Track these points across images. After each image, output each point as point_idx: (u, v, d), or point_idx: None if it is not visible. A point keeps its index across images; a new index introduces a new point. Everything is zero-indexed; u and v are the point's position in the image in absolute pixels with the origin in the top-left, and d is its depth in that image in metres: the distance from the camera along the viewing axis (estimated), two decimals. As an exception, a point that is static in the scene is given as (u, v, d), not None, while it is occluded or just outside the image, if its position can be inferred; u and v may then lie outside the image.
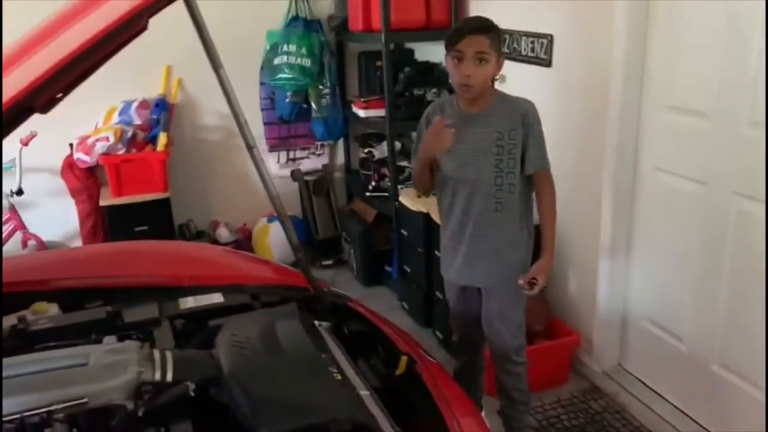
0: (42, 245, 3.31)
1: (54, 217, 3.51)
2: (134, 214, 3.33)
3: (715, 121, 2.07)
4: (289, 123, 3.87)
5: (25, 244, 3.32)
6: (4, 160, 3.15)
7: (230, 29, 3.49)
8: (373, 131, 3.74)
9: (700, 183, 2.17)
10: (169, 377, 1.24)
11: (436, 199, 2.13)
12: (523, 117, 1.92)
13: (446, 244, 2.11)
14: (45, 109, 0.94)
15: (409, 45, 3.78)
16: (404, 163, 3.43)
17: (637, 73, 2.33)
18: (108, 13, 0.79)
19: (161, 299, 1.67)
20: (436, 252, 2.81)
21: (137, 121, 3.40)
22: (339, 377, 1.33)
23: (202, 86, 3.58)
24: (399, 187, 3.30)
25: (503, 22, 1.98)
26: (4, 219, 3.27)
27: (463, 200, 1.99)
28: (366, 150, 3.69)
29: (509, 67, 2.32)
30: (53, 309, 1.60)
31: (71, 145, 3.35)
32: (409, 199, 3.07)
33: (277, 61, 3.59)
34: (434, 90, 3.29)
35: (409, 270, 3.26)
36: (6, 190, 3.15)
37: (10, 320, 1.49)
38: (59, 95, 0.96)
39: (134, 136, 3.31)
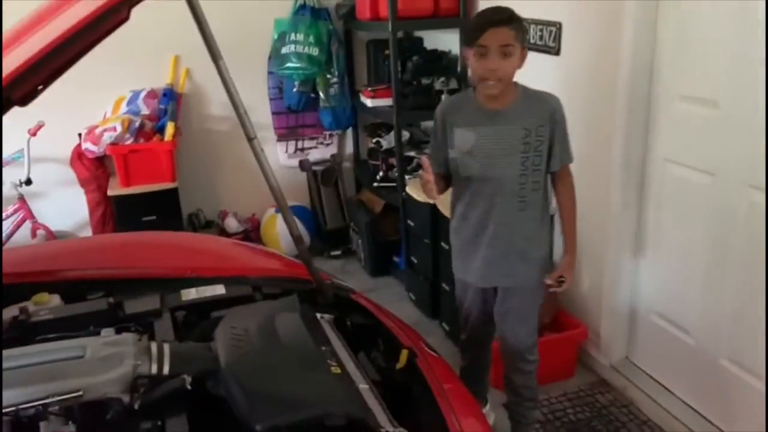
0: (51, 235, 3.33)
1: (63, 207, 3.53)
2: (142, 204, 3.34)
3: (726, 110, 2.02)
4: (297, 112, 3.85)
5: (34, 234, 3.34)
6: (12, 150, 3.17)
7: (238, 18, 3.49)
8: (381, 121, 3.71)
9: (709, 174, 2.12)
10: (166, 370, 1.24)
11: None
12: (551, 114, 1.84)
13: (462, 245, 2.03)
14: (24, 101, 0.92)
15: (418, 33, 3.74)
16: (412, 154, 3.41)
17: (647, 61, 2.28)
18: (89, 3, 0.78)
19: (163, 290, 1.67)
20: (443, 244, 2.80)
21: (145, 111, 3.40)
22: (338, 371, 1.33)
23: (210, 76, 3.51)
24: (406, 177, 3.28)
25: (511, 10, 1.94)
26: (13, 209, 3.29)
27: (485, 200, 1.90)
28: (374, 140, 3.67)
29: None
30: (55, 300, 1.60)
31: (80, 134, 3.35)
32: (415, 190, 3.05)
33: (284, 50, 3.57)
34: (442, 79, 3.25)
35: (416, 261, 3.25)
36: (15, 180, 3.16)
37: (11, 311, 1.49)
38: (40, 87, 0.94)
39: (142, 126, 3.32)
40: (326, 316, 1.62)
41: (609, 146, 2.43)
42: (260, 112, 3.80)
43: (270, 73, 3.75)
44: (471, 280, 2.05)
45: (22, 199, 3.29)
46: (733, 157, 2.02)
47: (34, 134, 3.11)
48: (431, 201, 2.88)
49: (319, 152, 4.03)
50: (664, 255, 2.39)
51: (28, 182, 3.16)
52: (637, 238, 2.50)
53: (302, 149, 4.00)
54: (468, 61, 1.81)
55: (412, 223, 3.20)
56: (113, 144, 3.22)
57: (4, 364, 1.17)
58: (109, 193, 3.37)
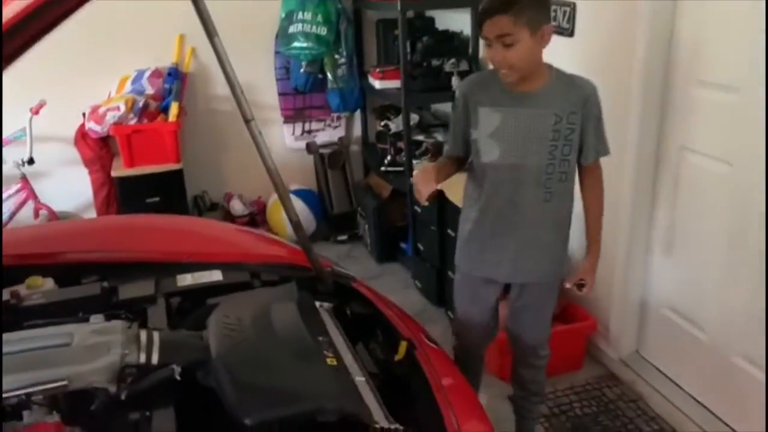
0: (53, 215, 3.30)
1: (67, 188, 3.49)
2: (146, 186, 3.30)
3: (747, 97, 1.93)
4: (304, 94, 3.78)
5: (36, 214, 3.31)
6: (15, 128, 3.13)
7: (245, -4, 3.42)
8: (390, 103, 3.63)
9: (727, 164, 2.04)
10: (155, 360, 1.20)
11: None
12: (585, 101, 1.71)
13: (478, 237, 1.87)
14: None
15: (429, 13, 3.64)
16: (420, 137, 3.34)
17: (665, 44, 2.19)
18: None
19: (158, 276, 1.62)
20: (450, 231, 2.74)
21: (149, 91, 3.35)
22: (334, 362, 1.28)
23: (215, 56, 3.50)
24: (414, 161, 3.21)
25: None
26: (16, 189, 3.26)
27: (507, 190, 1.77)
28: (382, 123, 3.59)
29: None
30: (48, 284, 1.57)
31: (84, 114, 3.31)
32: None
33: (291, 29, 3.49)
34: (453, 60, 3.17)
35: (422, 248, 3.19)
36: (17, 159, 3.13)
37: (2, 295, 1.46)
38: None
39: (146, 105, 3.27)
40: (325, 304, 1.58)
41: (623, 132, 2.34)
42: (266, 93, 3.73)
43: (277, 52, 3.68)
44: (491, 275, 1.91)
45: (24, 178, 3.26)
46: (752, 146, 1.94)
47: (36, 113, 3.08)
48: (438, 187, 2.81)
49: (327, 135, 3.96)
50: (678, 246, 2.32)
51: (31, 161, 3.13)
52: (650, 229, 2.42)
53: (309, 131, 3.93)
54: None
55: (418, 209, 3.13)
56: (116, 124, 3.18)
57: (-14, 351, 1.13)
58: (113, 173, 3.33)
